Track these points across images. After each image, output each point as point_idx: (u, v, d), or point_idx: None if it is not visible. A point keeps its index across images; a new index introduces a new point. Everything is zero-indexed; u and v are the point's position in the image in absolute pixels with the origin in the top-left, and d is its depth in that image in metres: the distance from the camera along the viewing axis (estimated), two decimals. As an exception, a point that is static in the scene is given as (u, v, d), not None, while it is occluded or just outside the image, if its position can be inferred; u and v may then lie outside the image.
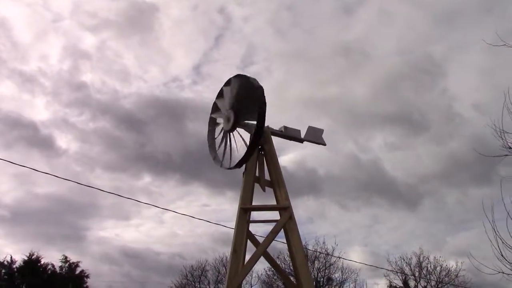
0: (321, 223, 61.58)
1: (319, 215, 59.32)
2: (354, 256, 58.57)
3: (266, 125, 9.57)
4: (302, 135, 10.08)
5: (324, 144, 10.34)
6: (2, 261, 37.67)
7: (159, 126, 65.18)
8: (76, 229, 63.00)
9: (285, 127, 9.88)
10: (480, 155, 10.70)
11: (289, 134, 9.97)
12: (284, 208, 8.54)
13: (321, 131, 10.39)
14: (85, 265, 42.14)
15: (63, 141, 78.87)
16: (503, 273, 13.61)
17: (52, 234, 63.43)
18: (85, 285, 40.81)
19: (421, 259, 43.45)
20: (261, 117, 8.81)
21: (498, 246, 12.96)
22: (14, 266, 37.77)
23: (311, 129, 10.25)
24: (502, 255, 12.88)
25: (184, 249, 67.84)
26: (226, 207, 58.18)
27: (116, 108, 67.52)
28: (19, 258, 41.32)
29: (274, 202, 9.10)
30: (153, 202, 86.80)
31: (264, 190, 9.45)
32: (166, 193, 65.51)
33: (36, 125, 69.80)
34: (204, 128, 10.10)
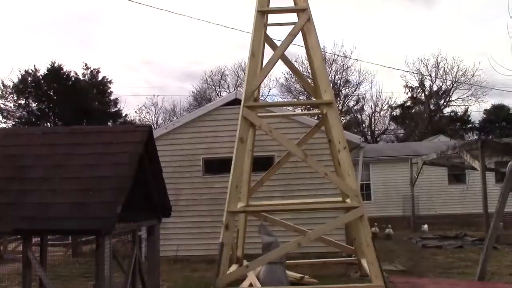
0: (331, 25, 60.39)
1: (332, 16, 57.80)
2: (367, 59, 58.77)
3: None
4: None
5: None
6: (27, 69, 38.94)
7: None
8: (87, 37, 63.36)
9: None
10: None
11: None
12: (302, 10, 8.25)
13: None
14: (105, 72, 43.42)
15: None
16: (520, 72, 13.58)
17: (65, 43, 64.08)
18: (109, 91, 42.53)
19: (439, 59, 43.54)
20: None
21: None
22: (39, 75, 39.09)
23: None
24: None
25: (199, 55, 68.62)
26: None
27: None
28: (41, 67, 42.59)
29: (291, 4, 8.78)
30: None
31: (281, -10, 9.11)
32: (179, -3, 63.42)
33: None
34: None
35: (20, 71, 39.13)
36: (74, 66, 67.68)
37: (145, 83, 65.40)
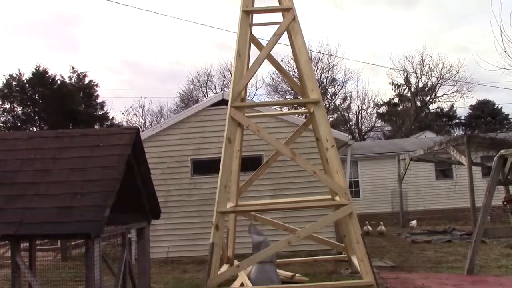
0: (316, 24, 60.74)
1: (314, 15, 58.14)
2: (353, 57, 59.15)
3: None
4: None
5: None
6: (11, 74, 38.54)
7: None
8: (70, 40, 62.92)
9: None
10: None
11: None
12: (287, 9, 8.27)
13: None
14: (90, 75, 43.14)
15: None
16: (504, 68, 13.86)
17: (48, 46, 63.56)
18: (95, 94, 42.26)
19: (424, 56, 43.92)
20: None
21: (502, 41, 12.93)
22: (24, 79, 38.68)
23: None
24: (505, 51, 12.95)
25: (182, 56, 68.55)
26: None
27: None
28: (26, 71, 42.09)
29: (277, 4, 8.81)
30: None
31: (266, -10, 9.13)
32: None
33: None
34: None
35: (4, 75, 38.80)
36: (59, 70, 67.30)
37: (129, 85, 65.08)
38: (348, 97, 45.78)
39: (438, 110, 47.53)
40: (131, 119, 45.99)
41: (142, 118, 47.30)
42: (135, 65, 67.19)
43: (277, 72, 38.01)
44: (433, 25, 62.51)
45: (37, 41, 64.36)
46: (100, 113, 42.33)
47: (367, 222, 18.10)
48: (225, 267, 9.35)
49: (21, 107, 39.23)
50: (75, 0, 63.57)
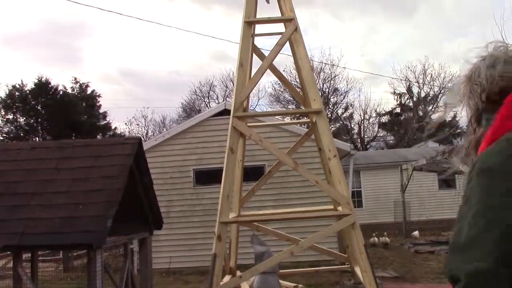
0: (315, 35, 61.05)
1: (312, 26, 58.46)
2: (354, 68, 59.29)
3: None
4: None
5: None
6: (14, 84, 38.72)
7: None
8: (71, 51, 63.11)
9: None
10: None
11: None
12: (289, 20, 8.29)
13: None
14: (92, 85, 43.15)
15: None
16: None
17: (47, 57, 63.82)
18: (98, 104, 42.40)
19: (426, 66, 44.01)
20: None
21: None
22: (26, 89, 38.85)
23: None
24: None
25: (181, 66, 68.67)
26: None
27: None
28: (28, 81, 42.15)
29: (278, 14, 8.84)
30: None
31: (268, 1, 9.14)
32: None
33: None
34: None
35: (7, 85, 39.00)
36: (61, 80, 67.49)
37: (130, 95, 65.14)
38: (350, 107, 45.85)
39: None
40: (134, 129, 46.11)
41: (145, 128, 47.40)
42: (136, 75, 67.38)
43: (279, 82, 38.11)
44: (431, 35, 62.61)
45: (39, 52, 64.60)
46: (102, 123, 42.42)
47: (374, 234, 17.99)
48: (227, 278, 9.30)
49: (24, 118, 39.35)
50: (76, 11, 64.02)
